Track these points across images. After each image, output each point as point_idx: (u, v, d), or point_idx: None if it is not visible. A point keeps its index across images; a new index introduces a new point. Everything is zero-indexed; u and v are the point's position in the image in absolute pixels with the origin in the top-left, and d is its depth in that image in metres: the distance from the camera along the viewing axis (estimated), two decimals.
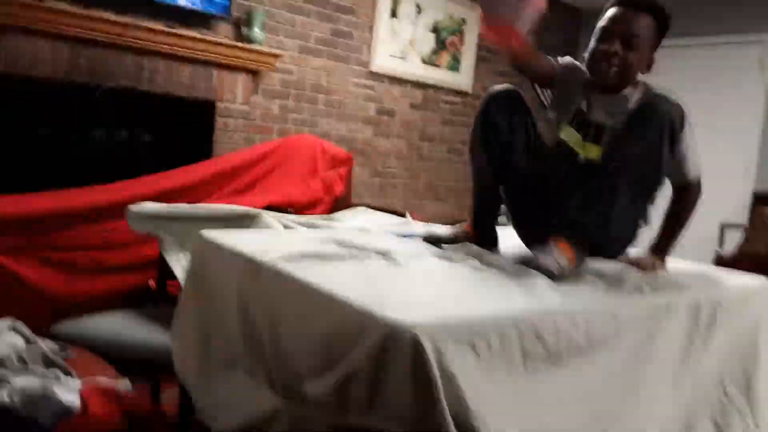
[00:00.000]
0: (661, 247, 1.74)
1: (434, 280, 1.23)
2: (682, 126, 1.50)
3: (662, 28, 1.64)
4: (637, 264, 1.61)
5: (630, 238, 1.68)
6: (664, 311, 1.41)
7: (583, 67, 1.70)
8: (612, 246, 1.66)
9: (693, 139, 1.63)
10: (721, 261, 4.15)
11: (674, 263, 1.92)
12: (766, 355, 1.71)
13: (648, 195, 1.61)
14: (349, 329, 1.03)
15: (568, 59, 1.79)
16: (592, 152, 1.61)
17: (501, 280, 1.30)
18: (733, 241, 4.38)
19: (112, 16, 3.13)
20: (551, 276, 1.36)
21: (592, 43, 1.63)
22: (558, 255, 1.42)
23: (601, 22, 1.62)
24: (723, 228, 4.44)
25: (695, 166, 1.68)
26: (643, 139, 1.45)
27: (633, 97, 1.64)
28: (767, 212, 4.14)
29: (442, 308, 1.07)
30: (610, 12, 1.61)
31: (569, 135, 1.65)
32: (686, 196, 1.73)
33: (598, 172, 1.52)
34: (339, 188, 3.30)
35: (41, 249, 2.31)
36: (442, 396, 0.93)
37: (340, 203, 3.32)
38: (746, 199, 4.55)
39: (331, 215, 2.67)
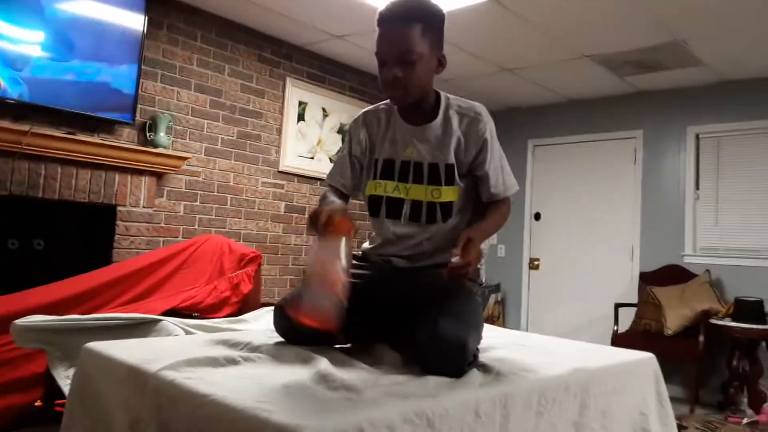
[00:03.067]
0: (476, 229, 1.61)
1: (327, 380, 1.24)
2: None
3: (435, 25, 1.59)
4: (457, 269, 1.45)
5: None
6: (557, 389, 1.47)
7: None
8: None
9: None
10: (617, 338, 4.37)
11: (566, 345, 2.02)
12: (656, 429, 1.79)
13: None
14: None
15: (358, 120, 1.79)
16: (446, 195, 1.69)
17: (391, 376, 1.32)
18: (628, 319, 4.64)
19: (8, 124, 3.08)
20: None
21: (378, 71, 1.61)
22: None
23: (376, 47, 1.58)
24: (617, 307, 4.71)
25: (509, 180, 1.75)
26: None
27: (437, 122, 1.67)
28: (652, 291, 4.44)
29: (333, 409, 1.08)
30: (378, 34, 1.58)
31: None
32: (504, 203, 1.76)
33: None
34: (247, 287, 3.27)
35: None
36: None
37: (249, 303, 3.27)
38: (635, 280, 4.89)
39: (238, 317, 2.62)
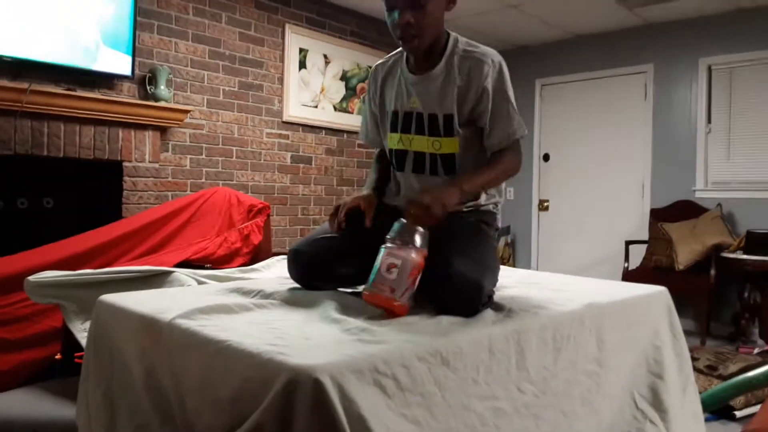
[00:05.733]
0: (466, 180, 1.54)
1: (339, 322, 1.24)
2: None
3: None
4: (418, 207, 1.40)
5: None
6: (571, 324, 1.48)
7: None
8: None
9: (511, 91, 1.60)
10: (627, 275, 4.39)
11: (577, 282, 2.02)
12: (670, 360, 1.81)
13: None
14: (253, 381, 1.02)
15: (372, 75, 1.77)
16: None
17: (404, 317, 1.33)
18: (639, 256, 4.64)
19: (6, 83, 3.04)
20: None
21: (386, 16, 1.54)
22: None
23: None
24: (628, 245, 4.70)
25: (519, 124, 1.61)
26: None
27: (439, 69, 1.58)
28: (663, 226, 4.42)
29: (347, 349, 1.08)
30: None
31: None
32: (508, 152, 1.63)
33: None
34: (257, 238, 3.27)
35: None
36: None
37: (260, 253, 3.28)
38: (645, 217, 4.87)
39: (250, 267, 2.63)
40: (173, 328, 1.21)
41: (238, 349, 1.06)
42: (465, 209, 1.66)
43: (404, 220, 1.36)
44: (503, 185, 1.77)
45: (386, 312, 1.32)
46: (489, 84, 1.55)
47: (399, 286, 1.29)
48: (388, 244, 1.34)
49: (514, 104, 1.61)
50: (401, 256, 1.31)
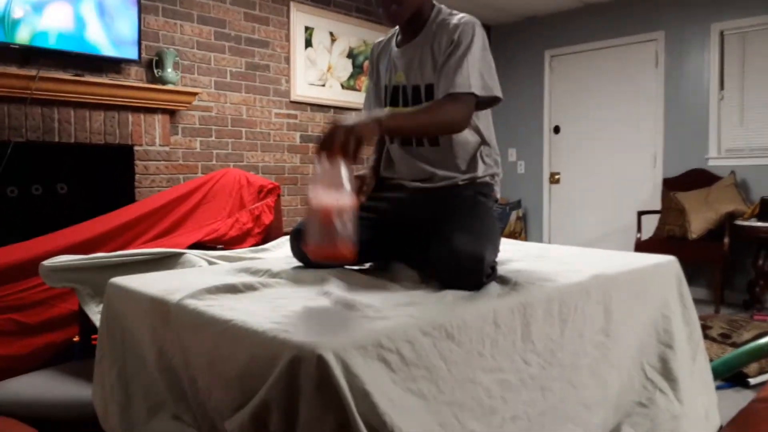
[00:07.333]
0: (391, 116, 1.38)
1: (344, 300, 1.26)
2: (469, 36, 1.50)
3: None
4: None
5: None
6: (578, 296, 1.48)
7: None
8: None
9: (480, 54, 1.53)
10: (640, 246, 4.36)
11: (585, 254, 2.02)
12: (679, 330, 1.81)
13: None
14: (259, 359, 1.03)
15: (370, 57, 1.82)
16: None
17: (409, 292, 1.34)
18: (652, 227, 4.61)
19: (15, 70, 3.06)
20: None
21: None
22: None
23: None
24: (640, 215, 4.67)
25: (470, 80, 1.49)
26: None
27: (419, 40, 1.61)
28: (676, 196, 4.38)
29: (351, 326, 1.10)
30: None
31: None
32: (449, 101, 1.49)
33: None
34: (268, 218, 3.29)
35: None
36: (357, 417, 0.93)
37: (271, 233, 3.31)
38: (658, 187, 4.82)
39: (260, 247, 2.66)
40: (181, 309, 1.24)
41: (244, 327, 1.08)
42: (461, 182, 1.66)
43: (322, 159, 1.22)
44: (498, 159, 1.77)
45: (336, 260, 1.24)
46: (455, 37, 1.52)
47: (346, 233, 1.20)
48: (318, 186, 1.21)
49: (477, 64, 1.50)
50: (340, 205, 1.19)
